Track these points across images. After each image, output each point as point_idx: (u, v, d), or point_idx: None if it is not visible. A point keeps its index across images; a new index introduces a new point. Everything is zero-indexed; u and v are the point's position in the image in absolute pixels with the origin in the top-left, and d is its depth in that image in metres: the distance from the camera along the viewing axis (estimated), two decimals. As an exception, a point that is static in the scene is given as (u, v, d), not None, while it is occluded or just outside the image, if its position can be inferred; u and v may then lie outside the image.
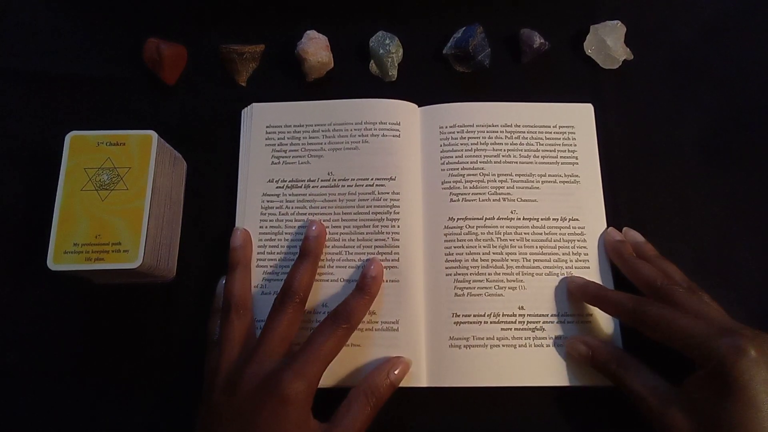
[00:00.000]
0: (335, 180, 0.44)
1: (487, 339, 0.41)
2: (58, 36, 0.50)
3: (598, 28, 0.48)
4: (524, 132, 0.46)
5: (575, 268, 0.42)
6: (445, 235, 0.43)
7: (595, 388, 0.39)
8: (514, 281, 0.42)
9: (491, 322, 0.41)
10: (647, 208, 0.45)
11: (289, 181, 0.45)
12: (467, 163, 0.45)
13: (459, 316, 0.41)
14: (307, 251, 0.41)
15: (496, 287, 0.42)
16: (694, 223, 0.45)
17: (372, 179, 0.44)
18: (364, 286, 0.40)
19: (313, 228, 0.42)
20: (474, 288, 0.42)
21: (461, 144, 0.45)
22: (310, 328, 0.40)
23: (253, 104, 0.47)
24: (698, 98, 0.48)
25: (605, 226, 0.44)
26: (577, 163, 0.45)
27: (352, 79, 0.49)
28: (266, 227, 0.44)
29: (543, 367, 0.40)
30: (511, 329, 0.41)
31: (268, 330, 0.37)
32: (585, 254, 0.43)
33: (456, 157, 0.45)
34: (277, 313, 0.38)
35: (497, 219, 0.43)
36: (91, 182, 0.38)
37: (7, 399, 0.41)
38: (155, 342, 0.42)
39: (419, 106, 0.47)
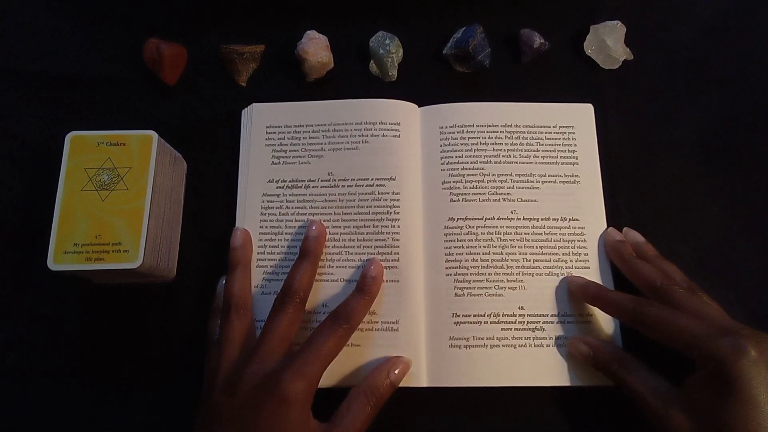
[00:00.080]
0: (335, 180, 0.44)
1: (487, 339, 0.41)
2: (58, 36, 0.50)
3: (598, 28, 0.48)
4: (524, 132, 0.46)
5: (575, 268, 0.42)
6: (445, 235, 0.43)
7: (595, 388, 0.39)
8: (514, 281, 0.42)
9: (491, 322, 0.41)
10: (647, 208, 0.45)
11: (289, 181, 0.45)
12: (467, 163, 0.45)
13: (459, 316, 0.41)
14: (307, 251, 0.41)
15: (496, 287, 0.42)
16: (694, 223, 0.45)
17: (372, 179, 0.44)
18: (364, 286, 0.40)
19: (313, 228, 0.42)
20: (474, 288, 0.42)
21: (461, 144, 0.45)
22: (310, 328, 0.40)
23: (253, 104, 0.47)
24: (698, 98, 0.48)
25: (605, 226, 0.44)
26: (577, 163, 0.45)
27: (352, 79, 0.49)
28: (266, 227, 0.44)
29: (543, 367, 0.40)
30: (511, 329, 0.41)
31: (268, 330, 0.37)
32: (585, 254, 0.43)
33: (456, 157, 0.45)
34: (277, 313, 0.38)
35: (497, 219, 0.43)
36: (91, 182, 0.38)
37: (7, 399, 0.41)
38: (155, 342, 0.42)
39: (419, 106, 0.47)
